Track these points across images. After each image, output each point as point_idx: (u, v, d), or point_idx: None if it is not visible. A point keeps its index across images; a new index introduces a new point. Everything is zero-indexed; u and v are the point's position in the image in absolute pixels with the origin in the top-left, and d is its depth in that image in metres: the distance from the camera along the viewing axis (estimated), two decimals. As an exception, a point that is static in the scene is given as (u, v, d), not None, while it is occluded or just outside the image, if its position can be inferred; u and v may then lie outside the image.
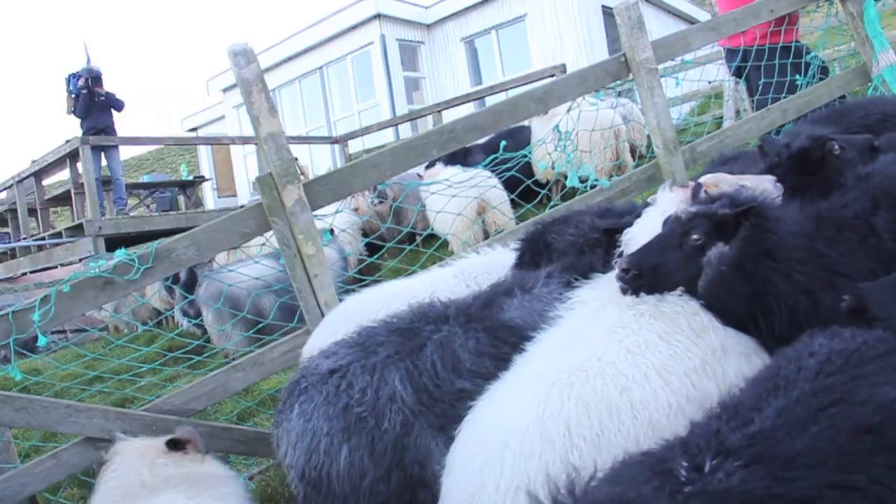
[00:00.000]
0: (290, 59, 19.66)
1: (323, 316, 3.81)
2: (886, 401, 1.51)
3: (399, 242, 4.96)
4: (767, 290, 2.32)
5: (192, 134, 24.43)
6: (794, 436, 1.46)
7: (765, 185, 3.03)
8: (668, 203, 2.98)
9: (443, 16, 18.18)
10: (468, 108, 13.29)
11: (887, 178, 2.75)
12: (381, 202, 8.01)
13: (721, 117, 12.09)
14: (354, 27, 17.88)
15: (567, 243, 3.15)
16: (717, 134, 5.15)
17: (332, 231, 6.92)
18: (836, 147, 3.20)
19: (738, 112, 11.43)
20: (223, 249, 4.24)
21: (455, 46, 18.12)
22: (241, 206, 4.39)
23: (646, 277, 2.38)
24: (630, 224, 2.99)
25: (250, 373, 3.95)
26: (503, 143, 4.83)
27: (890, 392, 1.53)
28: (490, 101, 13.23)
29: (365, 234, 7.98)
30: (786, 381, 1.67)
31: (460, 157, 8.12)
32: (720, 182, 3.03)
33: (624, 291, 2.42)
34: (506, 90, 12.37)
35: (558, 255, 3.16)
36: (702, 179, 3.14)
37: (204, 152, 23.41)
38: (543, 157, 5.08)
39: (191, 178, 17.26)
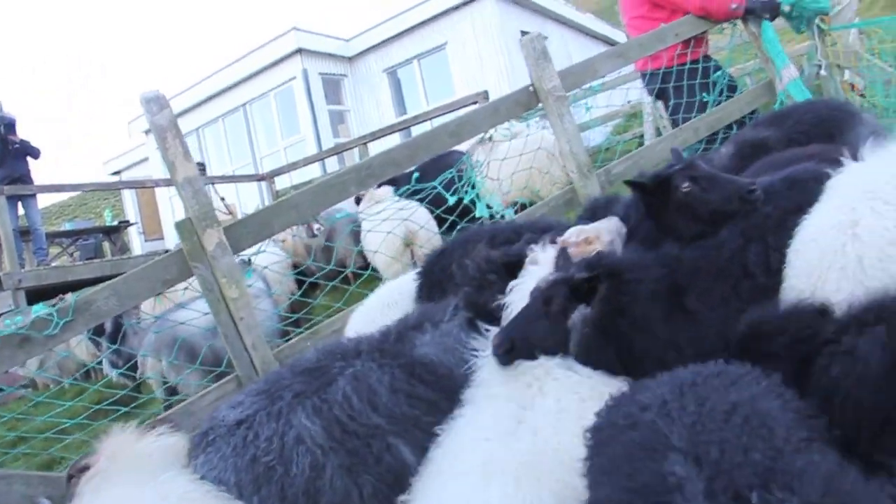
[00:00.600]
0: (212, 97, 19.49)
1: (251, 360, 3.79)
2: None
3: (331, 275, 4.95)
4: (631, 347, 2.37)
5: (116, 178, 23.91)
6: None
7: (606, 232, 3.12)
8: (547, 262, 2.92)
9: (364, 48, 18.29)
10: (394, 139, 13.39)
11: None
12: (313, 236, 8.00)
13: (642, 136, 12.54)
14: (276, 63, 17.85)
15: (466, 277, 3.16)
16: (632, 155, 5.32)
17: (250, 262, 6.85)
18: (685, 185, 2.98)
19: (657, 130, 11.81)
20: (145, 298, 4.18)
21: (378, 78, 18.23)
22: (167, 251, 4.34)
23: (519, 350, 2.42)
24: (522, 253, 3.03)
25: (182, 423, 3.87)
26: (415, 174, 4.91)
27: None
28: (416, 130, 13.36)
29: (295, 268, 7.90)
30: None
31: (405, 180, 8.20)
32: (577, 235, 3.10)
33: (501, 364, 2.44)
34: (430, 119, 12.45)
35: (456, 286, 3.19)
36: (563, 238, 3.13)
37: (128, 196, 22.92)
38: (453, 190, 5.22)
39: (115, 223, 16.87)
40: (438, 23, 17.15)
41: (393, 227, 5.82)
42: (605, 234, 3.13)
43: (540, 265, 2.92)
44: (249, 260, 6.89)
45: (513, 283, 2.87)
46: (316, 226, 7.80)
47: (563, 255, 2.81)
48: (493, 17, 16.45)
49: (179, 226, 3.71)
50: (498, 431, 2.16)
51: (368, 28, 18.27)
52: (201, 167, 14.66)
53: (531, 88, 4.86)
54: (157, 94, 3.60)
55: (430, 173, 5.91)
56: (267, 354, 3.84)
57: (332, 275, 4.92)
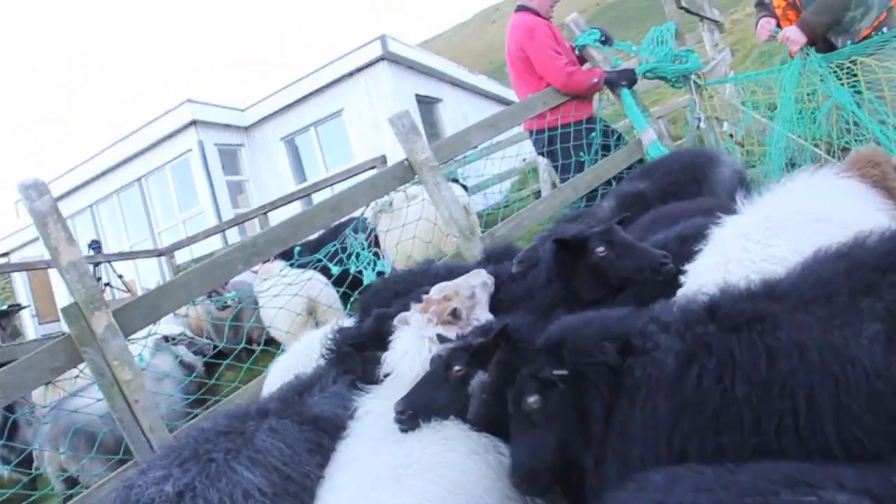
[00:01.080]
0: (105, 172, 19.08)
1: (149, 443, 3.74)
2: None
3: (239, 353, 5.01)
4: None
5: (4, 259, 22.85)
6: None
7: (466, 287, 3.27)
8: (419, 325, 3.07)
9: (260, 117, 18.34)
10: (295, 207, 13.41)
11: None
12: (223, 308, 7.97)
13: (539, 192, 12.95)
14: (171, 136, 17.67)
15: (329, 357, 3.38)
16: (514, 217, 5.51)
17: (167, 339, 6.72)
18: (601, 250, 3.09)
19: (553, 185, 12.15)
20: (33, 388, 4.08)
21: (276, 146, 18.27)
22: (63, 333, 4.25)
23: (421, 415, 2.52)
24: (374, 329, 3.25)
25: None
26: (297, 248, 5.03)
27: None
28: (316, 197, 13.43)
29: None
30: None
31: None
32: (439, 292, 3.25)
33: (403, 431, 2.52)
34: (331, 185, 12.54)
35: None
36: (433, 295, 3.27)
37: (19, 278, 21.92)
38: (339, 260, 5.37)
39: (5, 307, 16.09)
40: (334, 89, 17.39)
41: (286, 301, 5.87)
42: (463, 289, 3.25)
43: (410, 325, 3.08)
44: (167, 337, 6.79)
45: (391, 344, 3.01)
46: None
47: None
48: (387, 81, 16.82)
49: (66, 311, 3.65)
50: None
51: (264, 97, 18.35)
52: (96, 245, 14.29)
53: (406, 162, 5.04)
54: (36, 180, 3.59)
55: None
56: (166, 437, 3.74)
57: (240, 352, 4.97)
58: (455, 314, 3.10)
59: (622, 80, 6.31)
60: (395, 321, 3.21)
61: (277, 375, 3.87)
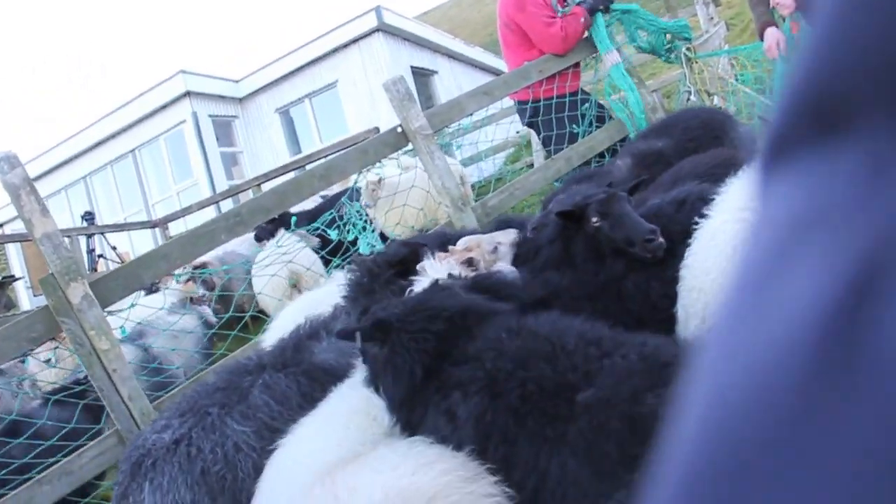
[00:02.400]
0: (99, 143, 18.92)
1: (129, 412, 3.76)
2: None
3: (231, 323, 5.02)
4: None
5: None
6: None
7: (488, 242, 3.32)
8: (436, 271, 3.09)
9: (255, 88, 18.19)
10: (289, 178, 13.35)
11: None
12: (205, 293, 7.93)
13: (532, 164, 12.93)
14: (164, 107, 17.51)
15: (353, 283, 3.31)
16: (507, 188, 5.48)
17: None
18: (595, 220, 3.09)
19: (546, 157, 12.13)
20: (11, 358, 4.09)
21: (270, 118, 18.15)
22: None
23: None
24: (408, 254, 3.23)
25: (58, 484, 3.73)
26: (293, 218, 4.99)
27: None
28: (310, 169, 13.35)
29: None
30: None
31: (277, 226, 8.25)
32: (472, 245, 3.28)
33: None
34: (325, 156, 12.41)
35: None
36: (458, 245, 3.33)
37: (13, 250, 21.89)
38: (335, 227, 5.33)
39: (-1, 279, 16.08)
40: (329, 61, 17.25)
41: (277, 269, 5.87)
42: (486, 243, 3.31)
43: (428, 273, 3.09)
44: (192, 298, 6.78)
45: (408, 286, 3.02)
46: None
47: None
48: (382, 53, 16.68)
49: (43, 282, 3.66)
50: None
51: (258, 68, 18.19)
52: (90, 216, 14.22)
53: (399, 129, 4.98)
54: (8, 153, 3.57)
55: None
56: (145, 405, 3.79)
57: (232, 322, 4.97)
58: (471, 263, 3.14)
59: (599, 4, 6.22)
60: (419, 268, 3.23)
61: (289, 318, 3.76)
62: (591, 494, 1.74)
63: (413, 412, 2.24)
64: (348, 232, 5.53)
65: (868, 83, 0.27)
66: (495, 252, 3.32)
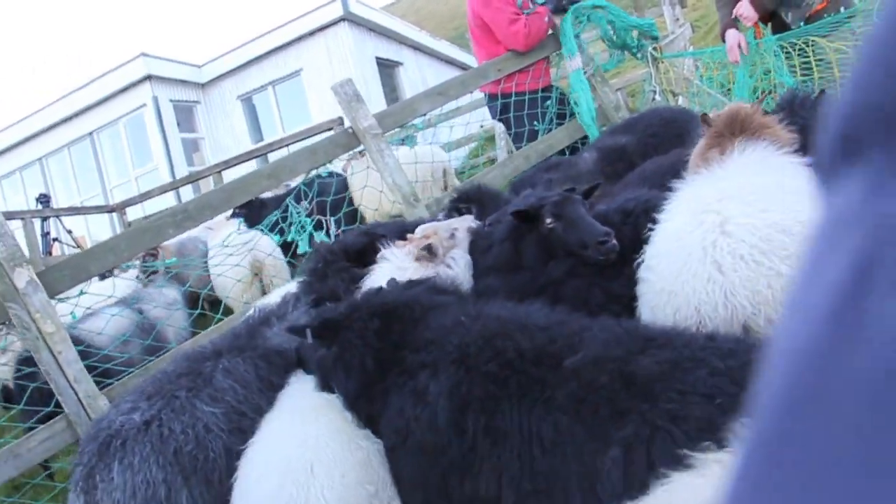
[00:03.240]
0: (56, 125, 18.60)
1: (76, 395, 3.82)
2: None
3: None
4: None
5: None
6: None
7: (445, 229, 3.41)
8: (397, 258, 3.24)
9: (217, 74, 18.04)
10: (250, 166, 13.26)
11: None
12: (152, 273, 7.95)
13: (495, 159, 12.98)
14: (124, 90, 17.28)
15: (309, 270, 3.46)
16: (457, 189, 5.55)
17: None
18: (549, 221, 3.11)
19: (510, 153, 12.11)
20: (-40, 346, 4.12)
21: (232, 104, 18.01)
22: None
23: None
24: (366, 243, 3.36)
25: (5, 467, 3.71)
26: (240, 220, 5.05)
27: None
28: (272, 157, 13.30)
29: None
30: None
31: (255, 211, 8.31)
32: (429, 232, 3.38)
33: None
34: (286, 145, 12.37)
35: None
36: (415, 233, 3.42)
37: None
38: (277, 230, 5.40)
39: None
40: (293, 48, 17.19)
41: (234, 262, 5.91)
42: (443, 230, 3.39)
43: (388, 260, 3.24)
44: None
45: (366, 274, 3.17)
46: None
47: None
48: (347, 43, 16.65)
49: (-11, 269, 3.71)
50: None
51: (221, 54, 18.03)
52: (45, 199, 14.00)
53: (350, 130, 5.03)
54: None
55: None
56: (91, 389, 3.82)
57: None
58: (430, 249, 3.20)
59: (564, 4, 6.24)
60: (378, 256, 3.32)
61: None
62: (587, 451, 1.77)
63: (373, 404, 2.32)
64: (296, 233, 5.59)
65: (871, 125, 0.36)
66: (452, 238, 3.39)
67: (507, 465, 1.93)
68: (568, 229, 3.03)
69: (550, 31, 6.29)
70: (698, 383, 1.68)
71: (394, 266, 3.22)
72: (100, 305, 5.32)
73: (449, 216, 4.13)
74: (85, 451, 2.61)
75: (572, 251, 3.02)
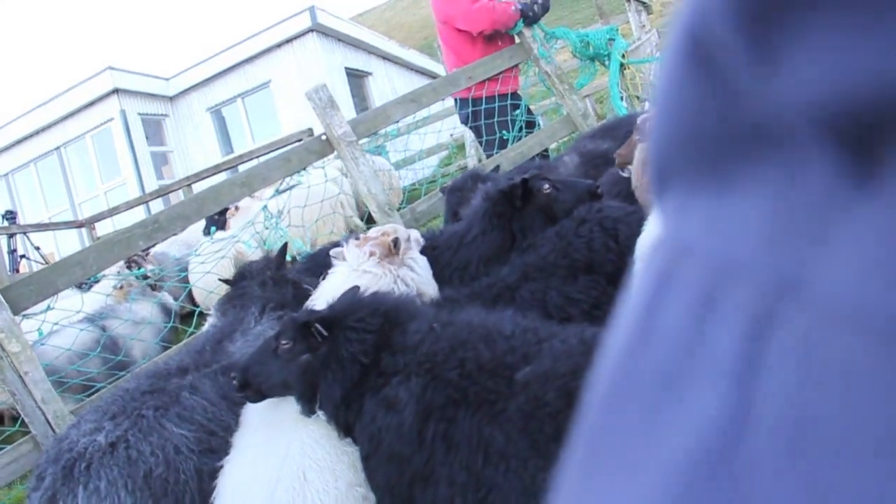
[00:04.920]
0: (22, 140, 18.23)
1: (44, 415, 3.74)
2: None
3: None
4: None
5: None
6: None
7: (404, 230, 3.41)
8: (355, 258, 3.16)
9: (185, 87, 17.84)
10: (220, 178, 13.16)
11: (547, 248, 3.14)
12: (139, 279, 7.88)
13: (466, 167, 13.01)
14: (91, 104, 16.99)
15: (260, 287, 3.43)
16: (436, 193, 5.46)
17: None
18: (546, 187, 3.33)
19: (479, 161, 12.15)
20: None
21: (201, 117, 17.82)
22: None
23: (251, 385, 2.43)
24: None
25: None
26: (213, 228, 5.00)
27: None
28: (242, 168, 13.18)
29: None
30: None
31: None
32: (389, 231, 3.34)
33: (245, 400, 2.54)
34: (257, 157, 12.27)
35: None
36: (371, 233, 3.38)
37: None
38: (251, 237, 5.34)
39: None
40: (262, 60, 17.07)
41: (212, 267, 5.84)
42: (402, 230, 3.38)
43: (345, 260, 3.17)
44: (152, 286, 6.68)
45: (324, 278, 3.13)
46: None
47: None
48: (316, 54, 16.59)
49: (-48, 287, 3.63)
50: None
51: (189, 66, 17.86)
52: (12, 215, 13.80)
53: (324, 136, 5.01)
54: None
55: None
56: (60, 409, 3.71)
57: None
58: (396, 244, 3.18)
59: (529, 11, 6.16)
60: (332, 254, 3.27)
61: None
62: (530, 468, 1.81)
63: (350, 409, 2.28)
64: (264, 242, 5.55)
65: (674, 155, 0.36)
66: (408, 241, 3.37)
67: (457, 475, 1.95)
68: (565, 190, 3.33)
69: (518, 41, 6.31)
70: None
71: (350, 267, 3.14)
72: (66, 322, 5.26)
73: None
74: (45, 474, 2.45)
75: (570, 207, 3.25)
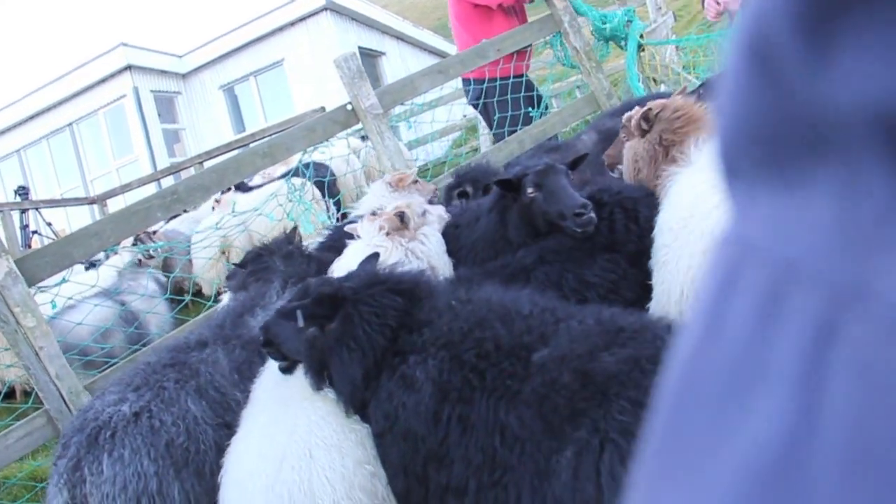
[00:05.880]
0: (34, 116, 18.28)
1: (58, 391, 3.68)
2: None
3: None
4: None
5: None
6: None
7: (427, 208, 3.40)
8: (368, 234, 3.18)
9: (198, 64, 17.80)
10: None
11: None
12: (149, 258, 7.83)
13: (478, 149, 12.94)
14: (104, 80, 17.00)
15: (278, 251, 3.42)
16: (450, 173, 5.37)
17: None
18: (530, 191, 3.10)
19: (493, 140, 12.13)
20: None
21: (213, 95, 17.80)
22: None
23: (273, 344, 2.45)
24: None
25: None
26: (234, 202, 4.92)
27: None
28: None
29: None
30: None
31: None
32: (402, 205, 3.33)
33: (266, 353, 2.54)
34: (269, 136, 12.23)
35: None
36: (389, 207, 3.39)
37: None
38: (275, 210, 5.25)
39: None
40: (275, 38, 17.00)
41: (213, 241, 5.79)
42: (415, 205, 3.37)
43: (359, 234, 3.20)
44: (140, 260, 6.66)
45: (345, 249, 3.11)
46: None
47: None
48: (330, 32, 16.49)
49: (-34, 260, 3.55)
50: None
51: (202, 44, 17.79)
52: (24, 191, 13.77)
53: (349, 107, 4.87)
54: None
55: None
56: (74, 384, 3.69)
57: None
58: (402, 218, 3.16)
59: None
60: (346, 229, 3.30)
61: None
62: (544, 449, 1.79)
63: (367, 388, 2.25)
64: (288, 214, 5.47)
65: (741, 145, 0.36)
66: (423, 216, 3.35)
67: (473, 456, 1.94)
68: (548, 199, 3.06)
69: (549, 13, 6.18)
70: (654, 390, 1.66)
71: (364, 242, 3.16)
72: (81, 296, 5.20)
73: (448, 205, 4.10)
74: (70, 442, 2.52)
75: (552, 221, 3.03)
